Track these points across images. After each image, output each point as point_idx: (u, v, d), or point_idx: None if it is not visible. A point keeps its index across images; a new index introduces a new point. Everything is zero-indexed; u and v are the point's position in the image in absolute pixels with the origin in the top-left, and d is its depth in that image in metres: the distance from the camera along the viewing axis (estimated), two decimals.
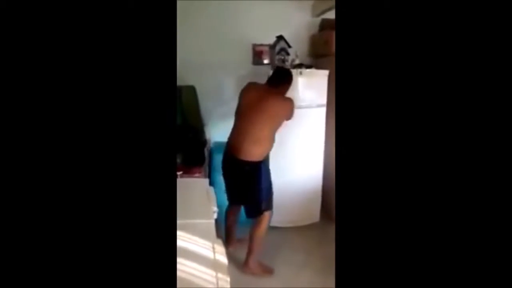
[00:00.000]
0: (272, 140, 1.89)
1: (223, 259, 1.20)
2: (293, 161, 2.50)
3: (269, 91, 1.87)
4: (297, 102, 2.33)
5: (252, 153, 1.82)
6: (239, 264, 2.02)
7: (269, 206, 1.95)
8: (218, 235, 1.49)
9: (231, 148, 1.89)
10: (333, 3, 2.53)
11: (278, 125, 1.87)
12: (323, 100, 2.42)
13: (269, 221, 1.97)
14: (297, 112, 2.32)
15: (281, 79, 1.93)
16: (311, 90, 2.39)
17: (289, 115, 1.92)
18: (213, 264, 1.14)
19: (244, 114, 1.86)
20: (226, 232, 2.10)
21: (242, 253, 2.03)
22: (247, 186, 1.89)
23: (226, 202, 2.11)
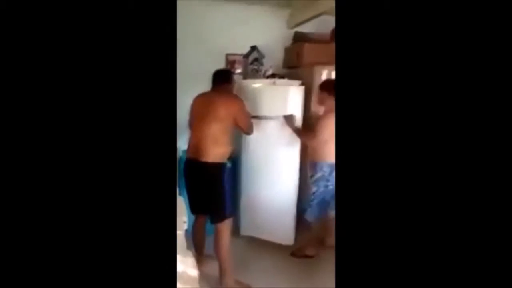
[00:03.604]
0: (228, 143, 1.88)
1: (193, 272, 1.16)
2: (266, 175, 2.41)
3: (213, 94, 1.92)
4: (267, 113, 2.33)
5: (212, 154, 1.82)
6: (213, 281, 1.96)
7: (232, 213, 1.95)
8: (188, 247, 1.45)
9: (191, 153, 1.89)
10: (308, 15, 2.61)
11: (227, 126, 1.85)
12: (298, 111, 2.38)
13: (230, 229, 1.95)
14: (270, 123, 2.32)
15: (219, 79, 1.96)
16: (284, 101, 2.35)
17: (237, 116, 1.86)
18: (183, 277, 1.10)
19: (198, 121, 1.89)
20: (194, 243, 2.05)
21: (214, 269, 1.98)
22: (211, 189, 1.87)
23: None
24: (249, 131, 2.01)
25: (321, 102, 2.16)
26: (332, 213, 2.28)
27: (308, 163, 2.25)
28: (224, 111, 1.81)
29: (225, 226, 1.88)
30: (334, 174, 2.06)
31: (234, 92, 2.07)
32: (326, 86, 2.12)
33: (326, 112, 2.11)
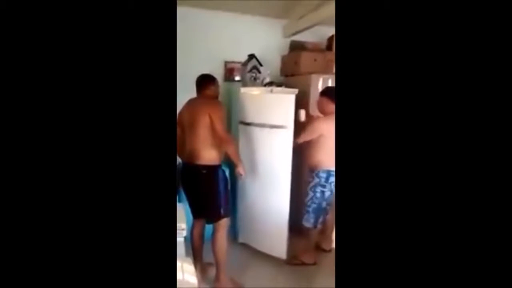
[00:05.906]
0: (219, 145, 1.92)
1: (192, 279, 1.18)
2: (260, 183, 2.37)
3: (196, 100, 2.01)
4: (264, 120, 2.30)
5: (205, 157, 1.89)
6: (210, 282, 2.02)
7: (227, 213, 1.99)
8: (187, 254, 1.47)
9: (186, 158, 1.95)
10: (304, 25, 2.66)
11: (210, 129, 1.86)
12: (291, 118, 2.31)
13: (227, 228, 2.02)
14: (265, 130, 2.32)
15: (201, 83, 2.03)
16: (280, 109, 2.27)
17: (212, 119, 1.85)
18: (182, 284, 1.12)
19: (187, 127, 1.94)
20: (192, 249, 2.09)
21: (212, 276, 2.03)
22: (206, 190, 1.93)
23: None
24: (224, 136, 1.88)
25: (321, 107, 2.22)
26: (328, 218, 2.32)
27: (306, 170, 2.30)
28: (203, 115, 1.86)
29: (221, 225, 1.96)
30: (330, 180, 2.13)
31: (219, 93, 2.11)
32: (327, 92, 2.21)
33: (325, 115, 2.17)
